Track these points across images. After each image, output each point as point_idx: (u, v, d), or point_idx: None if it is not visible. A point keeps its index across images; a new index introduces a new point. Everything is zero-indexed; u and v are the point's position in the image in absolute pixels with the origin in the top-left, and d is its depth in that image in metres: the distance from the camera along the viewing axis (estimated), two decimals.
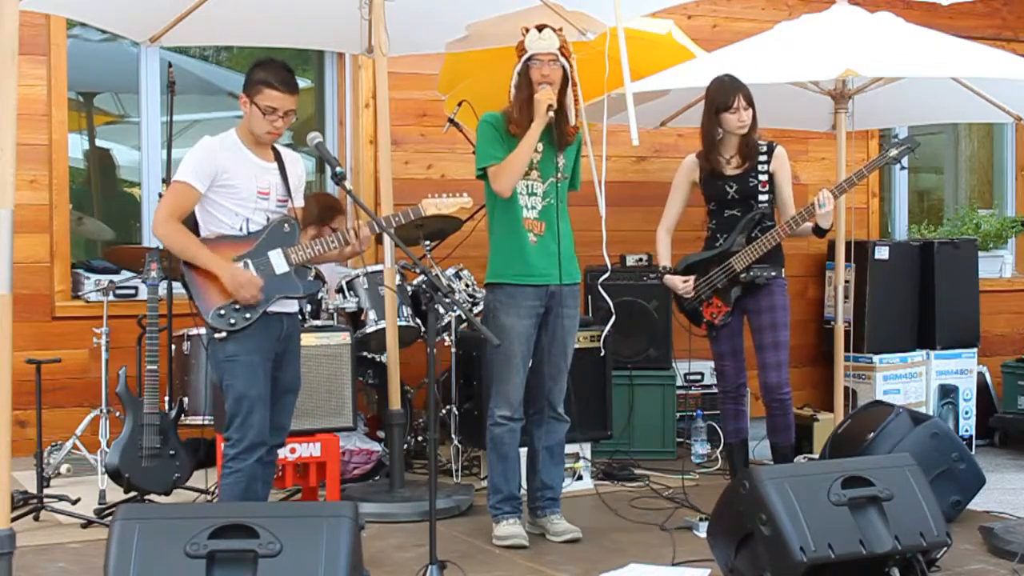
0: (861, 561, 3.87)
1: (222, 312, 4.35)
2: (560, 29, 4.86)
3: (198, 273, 4.39)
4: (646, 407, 6.75)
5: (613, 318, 5.67)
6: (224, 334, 4.35)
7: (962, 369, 7.79)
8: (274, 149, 4.54)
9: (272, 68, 4.40)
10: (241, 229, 4.44)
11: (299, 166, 4.63)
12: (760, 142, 5.65)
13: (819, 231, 5.65)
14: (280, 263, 4.45)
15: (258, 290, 4.37)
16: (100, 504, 5.26)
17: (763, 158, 5.62)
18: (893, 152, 5.66)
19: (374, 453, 6.03)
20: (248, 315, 4.36)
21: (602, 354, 6.13)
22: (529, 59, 4.79)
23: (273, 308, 4.44)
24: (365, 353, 6.15)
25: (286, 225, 4.50)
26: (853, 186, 5.69)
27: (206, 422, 5.78)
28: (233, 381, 4.36)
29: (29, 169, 6.57)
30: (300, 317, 5.66)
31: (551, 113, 4.74)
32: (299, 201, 4.63)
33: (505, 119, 4.86)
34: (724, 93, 5.52)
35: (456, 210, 4.89)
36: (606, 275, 5.67)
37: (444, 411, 6.15)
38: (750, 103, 5.52)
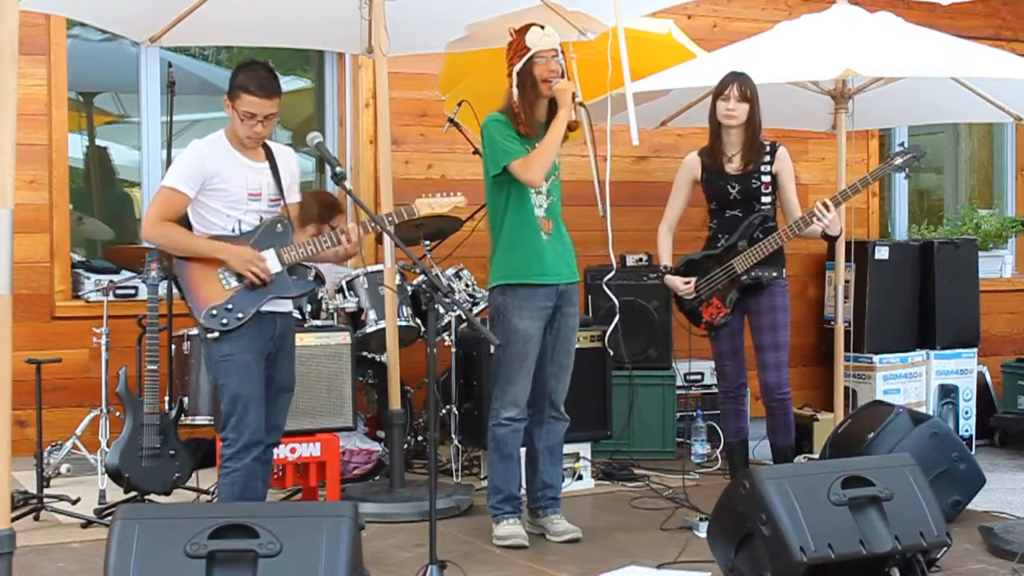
0: (861, 561, 3.87)
1: (214, 312, 4.36)
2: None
3: (190, 275, 4.40)
4: (646, 407, 6.75)
5: (618, 317, 5.65)
6: (216, 334, 4.36)
7: (962, 369, 7.78)
8: (265, 147, 4.51)
9: (251, 72, 4.36)
10: (233, 230, 4.44)
11: (292, 162, 4.61)
12: (763, 142, 5.65)
13: (827, 235, 5.64)
14: (272, 263, 4.45)
15: (265, 265, 4.38)
16: (100, 504, 5.26)
17: (767, 159, 5.62)
18: (899, 161, 5.64)
19: (374, 453, 6.03)
20: (240, 315, 4.37)
21: (611, 354, 6.14)
22: (533, 57, 4.79)
23: (266, 308, 4.44)
24: (365, 353, 6.15)
25: (279, 225, 4.49)
26: (857, 192, 5.68)
27: (206, 422, 5.77)
28: (227, 381, 4.37)
29: (29, 169, 6.56)
30: (300, 316, 5.69)
31: (577, 100, 4.74)
32: (295, 197, 4.62)
33: (512, 120, 4.85)
34: (723, 80, 5.54)
35: (450, 209, 4.88)
36: (611, 274, 5.67)
37: (444, 411, 6.15)
38: (746, 98, 5.50)
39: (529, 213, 4.85)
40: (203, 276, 4.40)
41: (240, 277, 4.40)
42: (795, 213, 5.66)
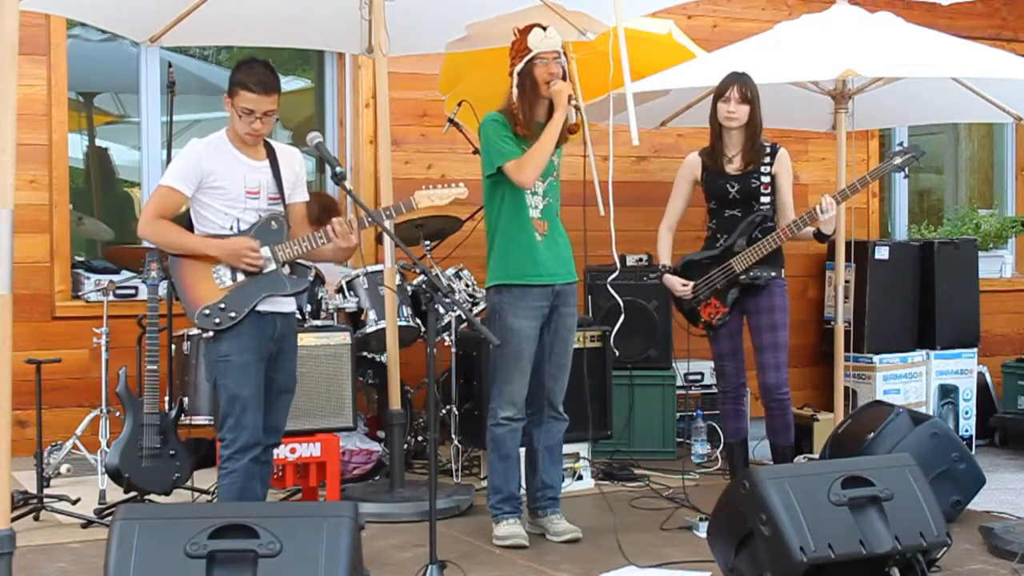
0: (861, 561, 3.87)
1: (207, 312, 4.36)
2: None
3: (184, 274, 4.40)
4: (646, 407, 6.75)
5: (623, 317, 5.65)
6: (212, 334, 4.36)
7: (962, 369, 7.78)
8: (267, 146, 4.51)
9: (249, 69, 4.36)
10: (232, 228, 4.44)
11: (296, 161, 4.60)
12: (764, 143, 5.65)
13: (821, 236, 5.63)
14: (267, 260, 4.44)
15: (256, 251, 4.38)
16: (100, 504, 5.26)
17: (767, 159, 5.62)
18: (898, 160, 5.65)
19: (374, 453, 6.03)
20: (233, 314, 4.36)
21: (616, 354, 6.14)
22: (534, 58, 4.79)
23: (265, 308, 4.43)
24: (365, 353, 6.15)
25: (274, 223, 4.49)
26: (856, 192, 5.68)
27: (206, 422, 5.77)
28: (226, 381, 4.37)
29: (29, 169, 6.56)
30: (300, 316, 5.68)
31: (573, 103, 4.74)
32: (300, 196, 4.62)
33: (510, 120, 4.85)
34: (724, 82, 5.55)
35: (451, 201, 4.86)
36: (615, 275, 5.67)
37: (444, 411, 6.15)
38: (747, 100, 5.51)
39: (523, 214, 4.85)
40: (197, 275, 4.40)
41: (235, 275, 4.40)
42: (788, 215, 5.66)
